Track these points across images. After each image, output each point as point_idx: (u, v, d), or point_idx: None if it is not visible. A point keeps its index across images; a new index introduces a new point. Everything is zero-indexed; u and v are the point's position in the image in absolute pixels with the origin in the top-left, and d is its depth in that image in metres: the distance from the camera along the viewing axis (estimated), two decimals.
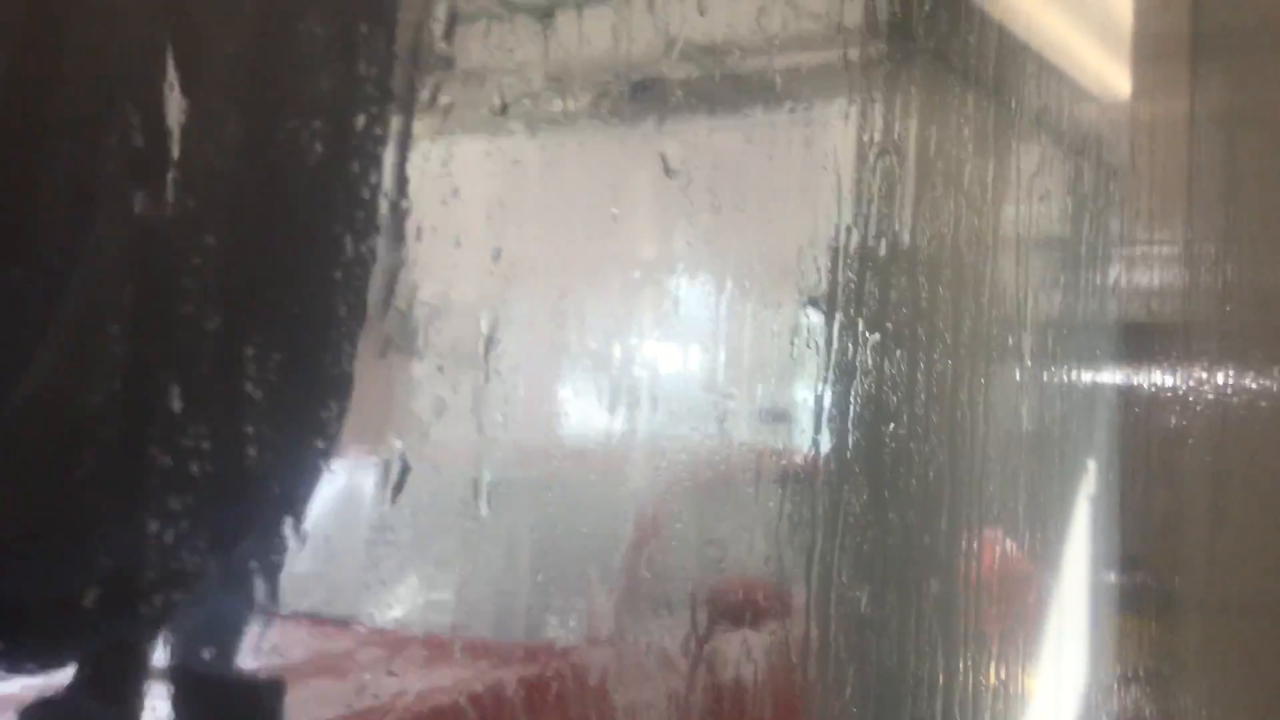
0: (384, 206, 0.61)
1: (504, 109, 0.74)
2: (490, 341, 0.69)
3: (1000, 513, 1.36)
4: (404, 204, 0.64)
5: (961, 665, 1.24)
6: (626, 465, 0.86)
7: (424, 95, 0.68)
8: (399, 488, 0.61)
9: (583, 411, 0.80)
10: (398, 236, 0.63)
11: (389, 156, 0.63)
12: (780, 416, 1.00)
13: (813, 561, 0.97)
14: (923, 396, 1.13)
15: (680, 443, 0.88)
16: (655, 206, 0.84)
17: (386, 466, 0.62)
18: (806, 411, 1.00)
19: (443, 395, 0.67)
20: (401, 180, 0.64)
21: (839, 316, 1.00)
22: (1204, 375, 1.81)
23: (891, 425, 1.09)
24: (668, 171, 0.85)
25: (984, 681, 1.30)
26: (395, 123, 0.63)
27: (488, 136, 0.73)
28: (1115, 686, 1.72)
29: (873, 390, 1.05)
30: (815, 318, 0.99)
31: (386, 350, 0.62)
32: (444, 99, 0.69)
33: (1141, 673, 1.75)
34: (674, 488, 0.88)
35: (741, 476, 0.93)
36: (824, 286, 1.00)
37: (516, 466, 0.75)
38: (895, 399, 1.08)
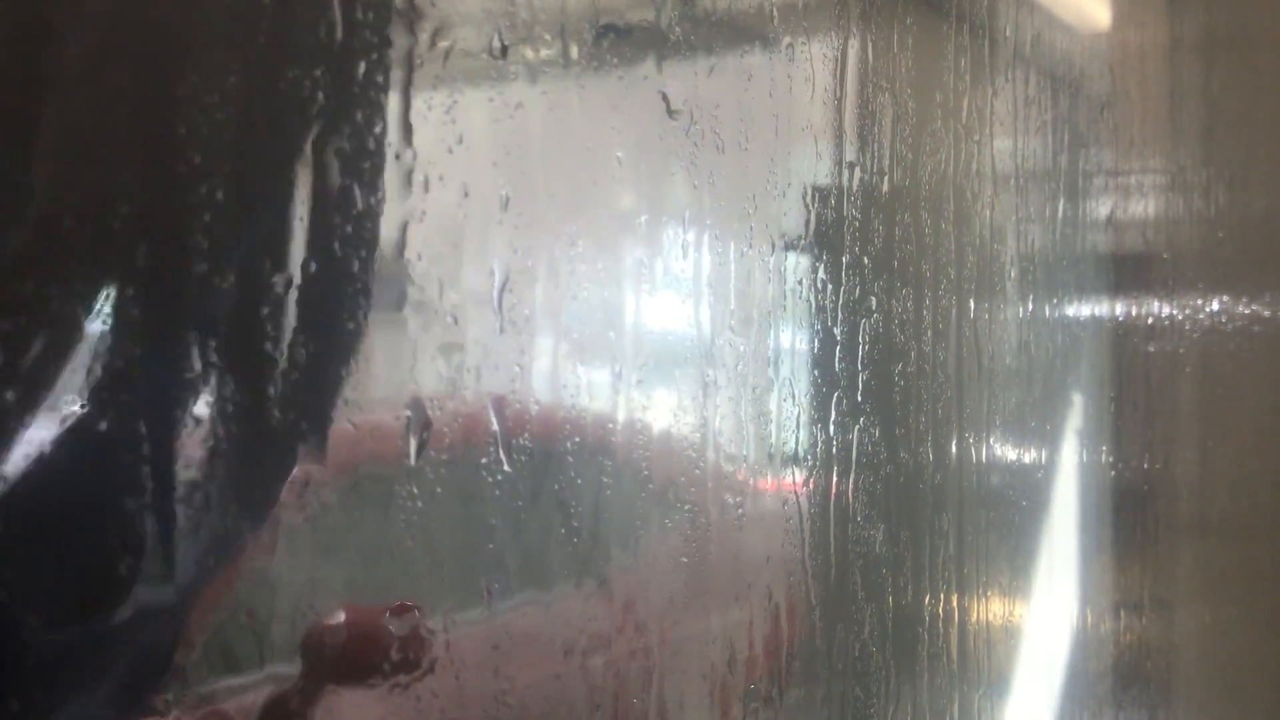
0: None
1: (503, 52, 0.72)
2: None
3: (1002, 445, 1.36)
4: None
5: (958, 599, 1.24)
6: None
7: (424, 40, 0.66)
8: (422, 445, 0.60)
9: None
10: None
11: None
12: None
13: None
14: (929, 333, 1.12)
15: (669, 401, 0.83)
16: (660, 148, 0.82)
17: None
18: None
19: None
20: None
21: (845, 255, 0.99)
22: (1199, 303, 1.81)
23: (899, 364, 1.08)
24: (670, 113, 0.83)
25: (983, 613, 1.31)
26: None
27: (490, 82, 0.71)
28: (1117, 612, 1.73)
29: (880, 329, 1.04)
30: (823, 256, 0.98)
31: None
32: (443, 43, 0.67)
33: (1146, 599, 1.76)
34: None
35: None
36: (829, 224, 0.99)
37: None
38: (903, 337, 1.07)
